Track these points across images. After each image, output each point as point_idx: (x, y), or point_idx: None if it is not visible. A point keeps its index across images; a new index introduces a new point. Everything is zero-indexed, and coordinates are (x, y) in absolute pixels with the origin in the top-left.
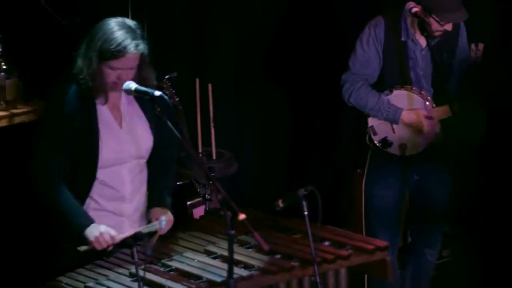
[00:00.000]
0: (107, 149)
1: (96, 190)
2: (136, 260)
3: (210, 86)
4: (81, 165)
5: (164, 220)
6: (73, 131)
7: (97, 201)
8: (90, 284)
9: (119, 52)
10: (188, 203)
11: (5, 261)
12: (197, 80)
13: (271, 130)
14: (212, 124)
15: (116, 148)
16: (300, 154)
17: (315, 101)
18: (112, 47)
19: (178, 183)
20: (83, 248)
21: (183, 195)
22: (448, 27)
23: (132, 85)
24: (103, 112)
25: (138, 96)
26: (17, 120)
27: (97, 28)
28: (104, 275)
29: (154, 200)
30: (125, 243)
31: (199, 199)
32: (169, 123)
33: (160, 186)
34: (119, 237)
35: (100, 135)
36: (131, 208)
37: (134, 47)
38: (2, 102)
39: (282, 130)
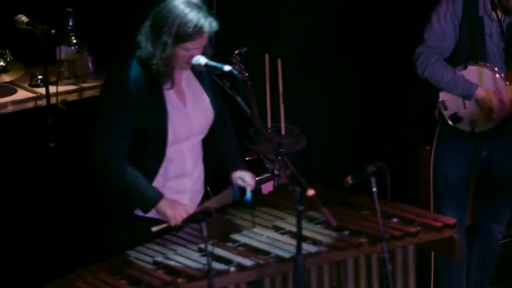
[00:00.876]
0: (174, 128)
1: (161, 168)
2: (205, 235)
3: (279, 61)
4: (150, 145)
5: (249, 192)
6: (141, 110)
7: (159, 179)
8: (158, 258)
9: (197, 33)
10: (257, 178)
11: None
12: (267, 56)
13: (339, 105)
14: (281, 100)
15: (183, 126)
16: (368, 130)
17: (383, 76)
18: (190, 29)
19: (246, 158)
20: (156, 228)
21: (252, 170)
22: None
23: (202, 60)
24: (169, 93)
25: (196, 71)
26: (86, 94)
27: (166, 12)
28: (172, 249)
29: (231, 164)
30: (194, 218)
31: (268, 174)
32: (238, 98)
33: (232, 149)
34: (192, 210)
35: (169, 115)
36: (191, 182)
37: (209, 25)
38: (72, 76)
39: (350, 105)
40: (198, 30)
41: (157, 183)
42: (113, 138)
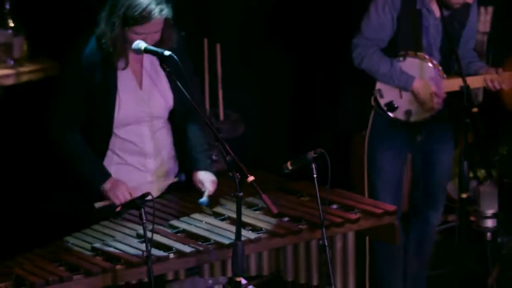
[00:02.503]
0: (124, 109)
1: (118, 145)
2: (144, 221)
3: (218, 46)
4: (98, 121)
5: (183, 174)
6: (91, 87)
7: (120, 155)
8: (96, 244)
9: (143, 18)
10: None
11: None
12: (206, 40)
13: (276, 91)
14: (220, 85)
15: (134, 107)
16: (304, 116)
17: (320, 61)
18: (137, 13)
19: None
20: (99, 204)
21: None
22: (470, 0)
23: (141, 44)
24: (124, 73)
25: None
26: (24, 78)
27: None
28: (111, 235)
29: (195, 162)
30: (134, 204)
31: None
32: (178, 82)
33: (199, 147)
34: (137, 193)
35: (119, 94)
36: (155, 163)
37: (159, 12)
38: (9, 60)
39: (287, 91)
40: (145, 15)
41: (116, 159)
42: (64, 112)
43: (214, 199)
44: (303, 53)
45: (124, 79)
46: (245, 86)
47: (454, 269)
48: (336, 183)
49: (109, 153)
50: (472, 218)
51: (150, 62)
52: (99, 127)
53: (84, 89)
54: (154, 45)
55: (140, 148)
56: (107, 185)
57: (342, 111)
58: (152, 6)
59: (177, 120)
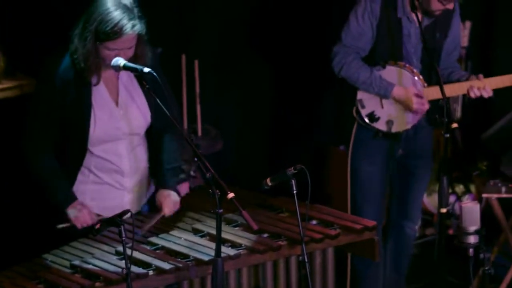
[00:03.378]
0: (99, 126)
1: (94, 164)
2: (124, 238)
3: (196, 62)
4: (73, 139)
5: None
6: (65, 105)
7: (96, 174)
8: (75, 262)
9: (115, 33)
10: None
11: None
12: (183, 57)
13: (254, 107)
14: (198, 100)
15: (109, 125)
16: (282, 131)
17: (299, 76)
18: (108, 28)
19: None
20: (61, 226)
21: None
22: (451, 6)
23: (120, 61)
24: (99, 89)
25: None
26: (1, 95)
27: (93, 8)
28: (89, 253)
29: (158, 181)
30: (113, 221)
31: (182, 175)
32: (157, 99)
33: (163, 165)
34: (99, 218)
35: (94, 112)
36: (131, 182)
37: (131, 27)
38: None
39: (265, 106)
40: (116, 30)
41: (92, 177)
42: (36, 133)
43: (192, 215)
44: (282, 66)
45: (99, 96)
46: (223, 102)
47: (432, 283)
48: (314, 197)
49: (85, 171)
50: (451, 232)
51: (128, 77)
52: (73, 144)
53: (58, 108)
54: (129, 62)
55: (117, 166)
56: (71, 208)
57: (321, 124)
58: (124, 21)
59: (154, 136)
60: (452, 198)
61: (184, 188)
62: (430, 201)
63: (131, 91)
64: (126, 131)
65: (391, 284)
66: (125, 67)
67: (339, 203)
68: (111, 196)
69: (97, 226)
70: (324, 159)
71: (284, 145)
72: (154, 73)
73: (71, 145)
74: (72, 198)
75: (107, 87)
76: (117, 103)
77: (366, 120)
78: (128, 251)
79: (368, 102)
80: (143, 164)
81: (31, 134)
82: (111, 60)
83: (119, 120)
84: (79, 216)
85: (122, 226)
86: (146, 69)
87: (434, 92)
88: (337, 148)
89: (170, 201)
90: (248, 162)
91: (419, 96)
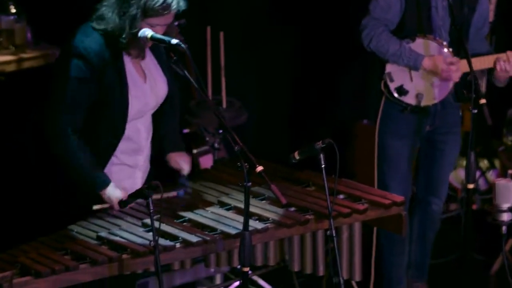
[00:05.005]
0: (135, 104)
1: (119, 146)
2: (152, 210)
3: (222, 34)
4: (109, 120)
5: (182, 191)
6: (102, 86)
7: (117, 156)
8: (102, 233)
9: (163, 9)
10: (195, 151)
11: (14, 211)
12: (208, 29)
13: (278, 79)
14: (223, 73)
15: (141, 101)
16: (305, 104)
17: (322, 50)
18: (158, 5)
19: (184, 131)
20: (97, 207)
21: (190, 143)
22: None
23: (147, 32)
24: (129, 68)
25: (153, 48)
26: (26, 65)
27: None
28: (116, 224)
29: (170, 145)
30: (141, 193)
31: (206, 147)
32: (186, 72)
33: (173, 129)
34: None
35: (130, 91)
36: (143, 159)
37: (177, 4)
38: (11, 46)
39: (288, 80)
40: (165, 6)
41: (113, 159)
42: (66, 112)
43: (218, 187)
44: (305, 39)
45: (130, 74)
46: (246, 74)
47: (457, 259)
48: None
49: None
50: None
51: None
52: (110, 126)
53: (92, 89)
54: None
55: (136, 143)
56: (107, 190)
57: (343, 98)
58: None
59: (161, 106)
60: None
61: (207, 160)
62: (454, 176)
63: (151, 67)
64: (152, 106)
65: (416, 260)
66: (152, 39)
67: (365, 178)
68: (126, 175)
69: (125, 198)
70: (347, 133)
71: (306, 119)
72: (182, 45)
73: (108, 126)
74: (108, 179)
75: (133, 65)
76: (145, 80)
77: (395, 93)
78: (156, 224)
79: (397, 76)
80: (150, 138)
81: (61, 114)
82: None
83: (148, 96)
84: (117, 197)
85: (150, 198)
86: (174, 41)
87: (463, 65)
88: (361, 122)
89: (186, 159)
90: (269, 136)
91: (450, 63)
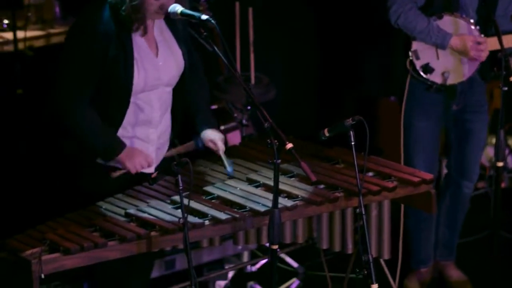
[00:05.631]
0: (142, 78)
1: (127, 117)
2: (181, 187)
3: (250, 10)
4: (114, 93)
5: (200, 140)
6: (107, 57)
7: (125, 127)
8: (130, 210)
9: None
10: (222, 127)
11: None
12: (237, 4)
13: (303, 56)
14: (251, 49)
15: (151, 75)
16: (331, 81)
17: (348, 26)
18: None
19: (212, 107)
20: (116, 174)
21: (217, 119)
22: None
23: (178, 8)
24: (139, 41)
25: (169, 21)
26: (54, 40)
27: None
28: (144, 201)
29: (202, 123)
30: (170, 170)
31: (234, 124)
32: (215, 48)
33: (203, 107)
34: (152, 160)
35: (137, 64)
36: (156, 133)
37: None
38: (39, 22)
39: (314, 57)
40: None
41: (121, 131)
42: (76, 84)
43: (247, 164)
44: (331, 16)
45: (139, 47)
46: (273, 50)
47: (486, 237)
48: (362, 149)
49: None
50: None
51: (159, 27)
52: (115, 98)
53: (99, 60)
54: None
55: (147, 116)
56: (123, 155)
57: (369, 75)
58: None
59: (185, 83)
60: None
61: (235, 136)
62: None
63: (166, 41)
64: (165, 82)
65: (445, 239)
66: (182, 14)
67: (390, 155)
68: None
69: (154, 175)
70: (373, 110)
71: (332, 95)
72: (212, 20)
73: (112, 99)
74: (122, 144)
75: (145, 39)
76: (156, 54)
77: (421, 71)
78: (185, 201)
79: (423, 53)
80: (167, 114)
81: (70, 86)
82: (154, 10)
83: (159, 71)
84: (134, 161)
85: (179, 175)
86: (204, 16)
87: (491, 43)
88: (388, 99)
89: (221, 137)
90: (295, 112)
91: (478, 42)
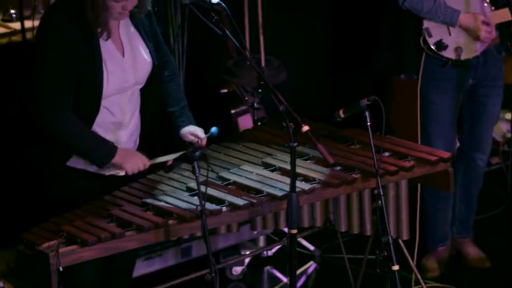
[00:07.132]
0: (112, 79)
1: (97, 120)
2: (197, 174)
3: None
4: (84, 96)
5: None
6: (77, 61)
7: (97, 130)
8: (147, 199)
9: None
10: (233, 111)
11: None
12: None
13: (314, 37)
14: (261, 31)
15: (120, 76)
16: (342, 60)
17: (358, 5)
18: None
19: (222, 91)
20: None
21: (228, 103)
22: None
23: None
24: (105, 43)
25: (134, 19)
26: None
27: None
28: (160, 189)
29: (181, 120)
30: (186, 157)
31: (244, 107)
32: (226, 31)
33: (181, 104)
34: (151, 162)
35: (105, 66)
36: (126, 135)
37: None
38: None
39: (324, 36)
40: None
41: None
42: (60, 90)
43: (261, 148)
44: None
45: (106, 49)
46: (283, 32)
47: (501, 214)
48: (379, 128)
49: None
50: None
51: (124, 26)
52: (86, 102)
53: (75, 64)
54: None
55: (118, 119)
56: (118, 158)
57: (379, 53)
58: None
59: (157, 81)
60: None
61: (246, 120)
62: (495, 129)
63: (131, 40)
64: (132, 82)
65: (461, 216)
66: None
67: (406, 134)
68: None
69: (170, 162)
70: (385, 89)
71: (342, 76)
72: (223, 4)
73: (83, 103)
74: (114, 146)
75: (111, 39)
76: (123, 54)
77: (434, 48)
78: (201, 188)
79: (435, 31)
80: (136, 114)
81: (51, 96)
82: (116, 12)
83: (127, 72)
84: (130, 162)
85: (195, 162)
86: (215, 0)
87: (502, 15)
88: (399, 77)
89: (200, 129)
90: (306, 94)
91: (486, 23)
